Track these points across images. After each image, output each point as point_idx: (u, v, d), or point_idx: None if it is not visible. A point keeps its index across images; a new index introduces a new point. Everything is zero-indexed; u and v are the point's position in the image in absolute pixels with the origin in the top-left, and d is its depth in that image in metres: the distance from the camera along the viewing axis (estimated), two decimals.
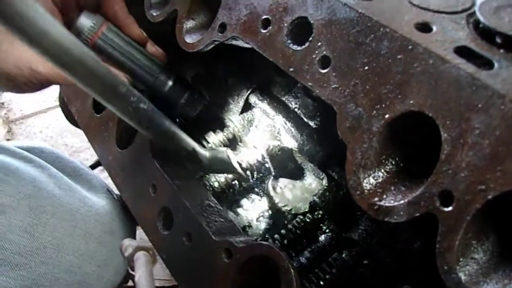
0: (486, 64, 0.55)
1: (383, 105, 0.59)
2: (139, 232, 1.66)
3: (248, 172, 1.15)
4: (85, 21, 0.92)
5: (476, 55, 0.56)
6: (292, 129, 1.11)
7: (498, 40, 0.58)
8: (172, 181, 0.92)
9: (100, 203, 1.25)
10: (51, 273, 1.09)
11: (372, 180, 0.62)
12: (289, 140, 1.14)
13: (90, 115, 1.20)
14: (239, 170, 1.10)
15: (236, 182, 1.16)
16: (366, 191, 0.61)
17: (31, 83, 0.91)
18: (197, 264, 0.85)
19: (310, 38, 0.68)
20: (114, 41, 0.95)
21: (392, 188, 0.62)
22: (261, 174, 1.23)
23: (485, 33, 0.59)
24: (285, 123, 1.12)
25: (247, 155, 1.18)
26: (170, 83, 1.03)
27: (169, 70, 1.05)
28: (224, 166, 1.07)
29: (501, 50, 0.57)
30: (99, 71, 0.66)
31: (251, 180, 1.19)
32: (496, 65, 0.54)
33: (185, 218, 0.88)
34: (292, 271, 0.69)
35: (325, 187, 1.07)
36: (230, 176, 1.14)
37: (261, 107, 1.17)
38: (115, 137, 1.09)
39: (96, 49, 0.94)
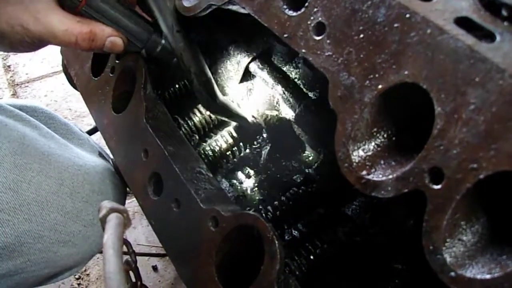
0: (488, 36, 0.52)
1: (377, 75, 0.57)
2: None
3: (254, 119, 1.17)
4: None
5: (477, 27, 0.53)
6: (291, 99, 1.09)
7: (504, 12, 0.55)
8: (164, 147, 0.90)
9: (90, 163, 1.23)
10: (34, 231, 1.08)
11: (361, 153, 0.60)
12: (288, 110, 1.12)
13: (88, 78, 1.18)
14: (250, 118, 1.14)
15: (230, 152, 1.15)
16: (354, 163, 0.59)
17: (25, 42, 0.89)
18: (184, 231, 0.83)
19: (306, 4, 0.66)
20: None
21: (382, 162, 0.60)
22: (258, 144, 1.21)
23: (490, 4, 0.56)
24: (284, 93, 1.10)
25: None
26: (163, 41, 1.01)
27: (162, 31, 1.03)
28: (232, 112, 1.11)
29: (505, 23, 0.54)
30: None
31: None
32: (498, 38, 0.51)
33: (175, 184, 0.86)
34: (276, 242, 0.67)
35: (321, 160, 1.05)
36: (225, 146, 1.12)
37: (261, 76, 1.14)
38: (111, 100, 1.08)
39: (90, 7, 0.91)
